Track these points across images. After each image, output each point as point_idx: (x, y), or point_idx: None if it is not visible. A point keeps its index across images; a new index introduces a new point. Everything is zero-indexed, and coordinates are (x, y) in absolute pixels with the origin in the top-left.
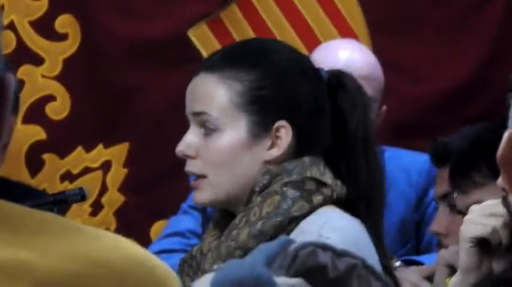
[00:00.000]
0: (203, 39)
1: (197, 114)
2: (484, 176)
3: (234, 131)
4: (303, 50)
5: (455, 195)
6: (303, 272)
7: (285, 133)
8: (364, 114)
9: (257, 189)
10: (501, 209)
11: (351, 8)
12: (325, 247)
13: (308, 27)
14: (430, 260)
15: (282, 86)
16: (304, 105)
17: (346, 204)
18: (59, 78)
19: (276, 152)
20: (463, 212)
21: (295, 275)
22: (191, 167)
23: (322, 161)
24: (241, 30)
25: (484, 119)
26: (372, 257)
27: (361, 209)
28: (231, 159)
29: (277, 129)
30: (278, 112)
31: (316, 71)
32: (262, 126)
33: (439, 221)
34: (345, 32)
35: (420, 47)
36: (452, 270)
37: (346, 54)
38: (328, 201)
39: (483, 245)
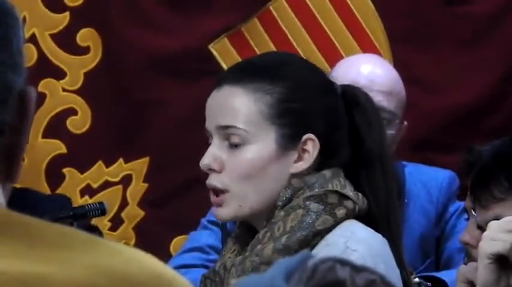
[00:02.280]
0: (224, 53)
1: (224, 128)
2: (504, 190)
3: (263, 143)
4: (324, 64)
5: (472, 210)
6: None
7: (312, 146)
8: (379, 130)
9: (280, 203)
10: None
11: (372, 21)
12: (344, 262)
13: (329, 41)
14: (449, 276)
15: (309, 99)
16: (327, 118)
17: (366, 219)
18: (80, 91)
19: (302, 165)
20: (482, 227)
21: None
22: (214, 181)
23: (342, 173)
24: (262, 44)
25: (503, 133)
26: (394, 271)
27: (381, 223)
28: (259, 171)
29: (305, 143)
30: (306, 125)
31: (333, 86)
32: (290, 139)
33: (469, 231)
34: (366, 45)
35: (440, 61)
36: (471, 286)
37: (368, 69)
38: (350, 215)
39: (502, 261)
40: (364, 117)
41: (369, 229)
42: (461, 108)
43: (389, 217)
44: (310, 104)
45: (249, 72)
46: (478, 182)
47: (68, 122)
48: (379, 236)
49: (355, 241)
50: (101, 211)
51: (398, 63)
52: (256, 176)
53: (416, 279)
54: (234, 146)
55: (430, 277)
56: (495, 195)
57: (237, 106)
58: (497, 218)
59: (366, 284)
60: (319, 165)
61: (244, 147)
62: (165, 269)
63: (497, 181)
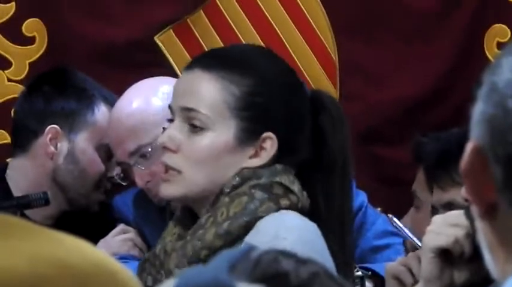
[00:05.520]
0: (169, 44)
1: (187, 109)
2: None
3: (222, 133)
4: None
5: (415, 190)
6: (265, 279)
7: (270, 145)
8: (343, 136)
9: (227, 190)
10: (464, 220)
11: (316, 12)
12: (288, 254)
13: (273, 32)
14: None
15: (274, 96)
16: (290, 118)
17: (311, 218)
18: (24, 82)
19: (257, 162)
20: (435, 208)
21: (257, 282)
22: (168, 159)
23: (293, 172)
24: (208, 36)
25: (447, 127)
26: (327, 260)
27: (331, 225)
28: (213, 160)
29: (264, 140)
30: (267, 122)
31: (302, 87)
32: (249, 134)
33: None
34: (310, 36)
35: (386, 53)
36: (399, 282)
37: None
38: (293, 208)
39: (445, 255)
40: (328, 122)
41: (301, 217)
42: (406, 101)
43: (343, 220)
44: (274, 102)
45: (221, 60)
46: (440, 164)
47: (13, 112)
48: (312, 225)
49: (286, 229)
50: (45, 200)
51: (343, 55)
52: (210, 164)
53: (359, 272)
54: (194, 130)
55: (366, 268)
56: (454, 179)
57: (203, 91)
58: (451, 203)
59: (309, 276)
60: (275, 161)
61: (203, 133)
62: (107, 259)
63: (458, 166)
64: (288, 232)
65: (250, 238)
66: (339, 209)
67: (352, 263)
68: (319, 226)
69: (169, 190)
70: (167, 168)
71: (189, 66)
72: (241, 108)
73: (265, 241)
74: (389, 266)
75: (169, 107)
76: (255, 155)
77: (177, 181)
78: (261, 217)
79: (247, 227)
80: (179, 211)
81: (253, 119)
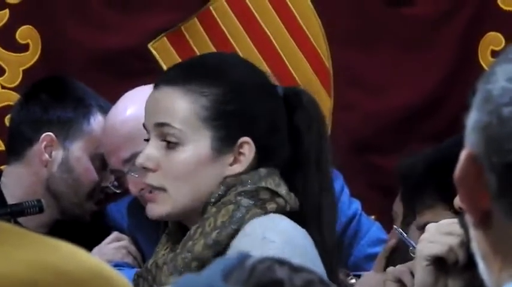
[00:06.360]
0: (163, 52)
1: (160, 125)
2: (434, 198)
3: (198, 145)
4: (263, 64)
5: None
6: None
7: (248, 150)
8: (319, 133)
9: (212, 200)
10: (458, 228)
11: (311, 22)
12: (282, 262)
13: (268, 41)
14: None
15: (245, 101)
16: (264, 121)
17: (296, 218)
18: (18, 89)
19: (238, 168)
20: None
21: None
22: (150, 179)
23: (278, 173)
24: (202, 44)
25: (444, 135)
26: (317, 266)
27: (310, 223)
28: (193, 173)
29: (241, 146)
30: (241, 128)
31: (274, 88)
32: (225, 142)
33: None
34: (305, 46)
35: (381, 63)
36: (401, 285)
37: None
38: (280, 211)
39: (439, 263)
40: (304, 119)
41: (291, 221)
42: (402, 110)
43: (320, 217)
44: (247, 107)
45: (187, 73)
46: (412, 190)
47: (6, 119)
48: (301, 230)
49: (274, 232)
50: (39, 208)
51: (338, 64)
52: (191, 178)
53: (353, 280)
54: (170, 146)
55: (360, 276)
56: (425, 203)
57: (173, 106)
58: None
59: (304, 284)
60: (256, 166)
61: (179, 147)
62: (103, 265)
63: (427, 189)
64: (276, 235)
65: (238, 241)
66: (316, 207)
67: (334, 265)
68: (297, 220)
69: (156, 210)
70: (152, 188)
71: (157, 85)
72: (213, 118)
73: (252, 244)
74: (391, 269)
75: (144, 126)
76: (235, 161)
77: (162, 199)
78: None
79: (235, 236)
80: (171, 224)
81: (226, 126)
